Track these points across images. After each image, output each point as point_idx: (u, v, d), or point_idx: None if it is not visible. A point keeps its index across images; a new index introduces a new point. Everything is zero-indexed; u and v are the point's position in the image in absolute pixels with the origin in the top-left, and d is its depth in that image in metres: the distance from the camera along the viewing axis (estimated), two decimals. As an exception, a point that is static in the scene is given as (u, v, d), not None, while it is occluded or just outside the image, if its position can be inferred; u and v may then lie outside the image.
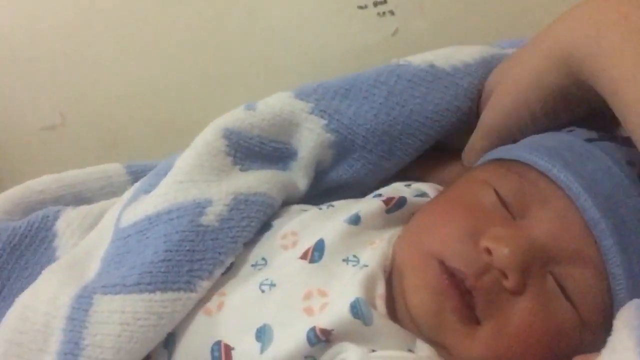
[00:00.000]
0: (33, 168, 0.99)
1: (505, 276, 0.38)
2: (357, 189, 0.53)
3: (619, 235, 0.38)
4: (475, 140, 0.52)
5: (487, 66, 0.53)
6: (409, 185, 0.52)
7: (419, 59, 0.54)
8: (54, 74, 0.90)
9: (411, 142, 0.53)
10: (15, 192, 0.52)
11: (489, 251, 0.39)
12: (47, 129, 0.95)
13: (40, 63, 0.89)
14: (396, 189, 0.51)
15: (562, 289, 0.39)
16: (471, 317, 0.39)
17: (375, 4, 0.79)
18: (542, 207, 0.41)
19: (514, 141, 0.50)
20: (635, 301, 0.37)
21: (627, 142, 0.43)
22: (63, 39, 0.87)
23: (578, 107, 0.46)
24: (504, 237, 0.39)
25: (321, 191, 0.53)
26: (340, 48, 0.82)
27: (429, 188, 0.51)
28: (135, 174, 0.57)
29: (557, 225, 0.40)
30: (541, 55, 0.44)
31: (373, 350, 0.38)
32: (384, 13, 0.79)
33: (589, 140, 0.44)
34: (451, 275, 0.39)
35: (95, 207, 0.51)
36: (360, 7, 0.79)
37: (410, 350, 0.40)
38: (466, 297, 0.39)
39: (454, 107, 0.52)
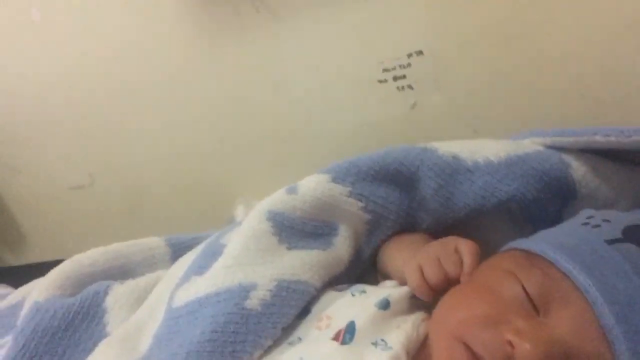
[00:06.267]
0: (62, 225, 1.04)
1: None
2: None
3: (631, 341, 0.39)
4: None
5: (510, 168, 0.54)
6: None
7: (445, 148, 0.56)
8: (84, 137, 0.95)
9: (425, 226, 0.57)
10: (66, 267, 0.55)
11: (511, 344, 0.40)
12: (76, 189, 0.99)
13: (70, 127, 0.94)
14: None
15: None
16: None
17: (395, 79, 0.82)
18: (563, 307, 0.42)
19: None
20: None
21: None
22: (92, 103, 0.91)
23: None
24: (527, 333, 0.40)
25: (362, 270, 0.55)
26: (361, 120, 0.85)
27: None
28: (175, 247, 0.60)
29: (576, 327, 0.41)
30: None
31: None
32: (403, 87, 0.83)
33: (611, 241, 0.44)
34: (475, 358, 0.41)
35: (140, 282, 0.54)
36: (381, 82, 0.83)
37: None
38: None
39: (462, 203, 0.55)
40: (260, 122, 0.88)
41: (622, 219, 0.48)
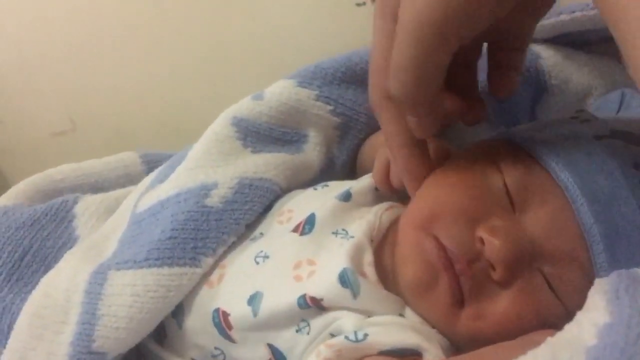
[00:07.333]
0: (45, 173, 1.03)
1: (494, 268, 0.39)
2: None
3: (610, 241, 0.37)
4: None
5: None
6: None
7: None
8: (63, 81, 0.93)
9: None
10: (36, 179, 0.55)
11: (482, 241, 0.39)
12: (58, 135, 0.98)
13: (49, 70, 0.92)
14: None
15: (550, 286, 0.40)
16: (460, 298, 0.40)
17: (373, 0, 0.81)
18: (541, 204, 0.40)
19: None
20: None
21: None
22: (70, 47, 0.89)
23: None
24: (499, 230, 0.39)
25: (336, 176, 0.55)
26: (340, 45, 0.83)
27: None
28: (150, 163, 0.59)
29: (552, 225, 0.39)
30: None
31: (368, 317, 0.40)
32: (382, 9, 0.81)
33: (599, 137, 0.41)
34: (445, 254, 0.40)
35: (111, 194, 0.54)
36: (359, 4, 0.81)
37: (401, 315, 0.41)
38: (456, 279, 0.39)
39: None
40: (239, 53, 0.87)
41: (611, 120, 0.46)
